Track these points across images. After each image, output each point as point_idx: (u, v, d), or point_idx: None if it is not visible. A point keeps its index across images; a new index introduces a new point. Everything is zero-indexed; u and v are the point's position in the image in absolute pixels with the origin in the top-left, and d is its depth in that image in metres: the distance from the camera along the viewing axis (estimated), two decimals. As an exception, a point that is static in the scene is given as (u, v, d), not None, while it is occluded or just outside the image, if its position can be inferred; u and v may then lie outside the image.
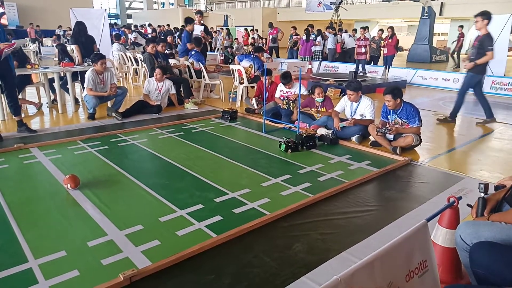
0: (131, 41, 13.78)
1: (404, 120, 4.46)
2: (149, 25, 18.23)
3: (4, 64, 4.55)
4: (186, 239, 2.52)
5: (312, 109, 5.53)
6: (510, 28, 9.57)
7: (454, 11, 19.89)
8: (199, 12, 8.98)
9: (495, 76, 9.28)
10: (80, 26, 7.08)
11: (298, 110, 5.16)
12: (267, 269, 2.21)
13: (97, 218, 2.79)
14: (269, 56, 13.56)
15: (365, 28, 11.50)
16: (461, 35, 14.97)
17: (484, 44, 5.55)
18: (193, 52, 7.83)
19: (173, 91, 6.64)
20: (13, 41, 4.64)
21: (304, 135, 4.48)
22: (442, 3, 19.85)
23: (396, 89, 4.42)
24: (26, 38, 18.39)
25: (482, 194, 1.94)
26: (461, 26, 15.26)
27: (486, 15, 5.50)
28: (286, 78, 5.85)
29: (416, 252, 1.58)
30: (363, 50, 11.23)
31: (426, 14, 16.65)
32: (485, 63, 5.67)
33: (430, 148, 4.69)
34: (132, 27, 17.98)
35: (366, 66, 11.64)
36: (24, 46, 17.83)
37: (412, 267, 1.53)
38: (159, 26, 18.64)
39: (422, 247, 1.61)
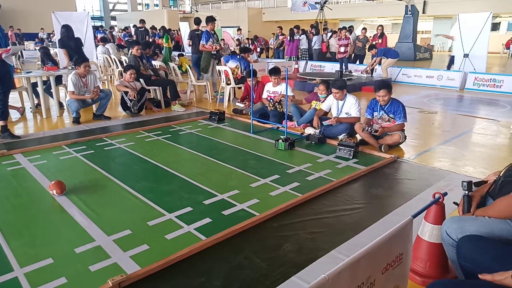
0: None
1: (390, 116, 4.52)
2: (134, 26, 17.95)
3: (2, 68, 4.58)
4: (175, 242, 2.50)
5: (314, 101, 5.59)
6: (490, 26, 9.76)
7: (436, 9, 20.24)
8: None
9: (477, 73, 9.46)
10: (67, 30, 6.96)
11: (285, 110, 5.18)
12: (258, 270, 2.21)
13: (84, 224, 2.75)
14: (257, 57, 13.53)
15: (349, 28, 11.54)
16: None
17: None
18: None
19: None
20: (8, 47, 4.65)
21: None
22: (424, 1, 20.18)
23: (388, 84, 4.57)
24: (24, 44, 18.06)
25: (466, 192, 1.97)
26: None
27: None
28: (276, 72, 5.89)
29: (397, 247, 1.60)
30: (342, 49, 11.33)
31: (410, 13, 16.89)
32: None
33: (415, 145, 4.75)
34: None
35: (352, 65, 11.73)
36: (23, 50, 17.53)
37: (390, 260, 1.55)
38: (134, 26, 17.32)
39: (403, 242, 1.64)
